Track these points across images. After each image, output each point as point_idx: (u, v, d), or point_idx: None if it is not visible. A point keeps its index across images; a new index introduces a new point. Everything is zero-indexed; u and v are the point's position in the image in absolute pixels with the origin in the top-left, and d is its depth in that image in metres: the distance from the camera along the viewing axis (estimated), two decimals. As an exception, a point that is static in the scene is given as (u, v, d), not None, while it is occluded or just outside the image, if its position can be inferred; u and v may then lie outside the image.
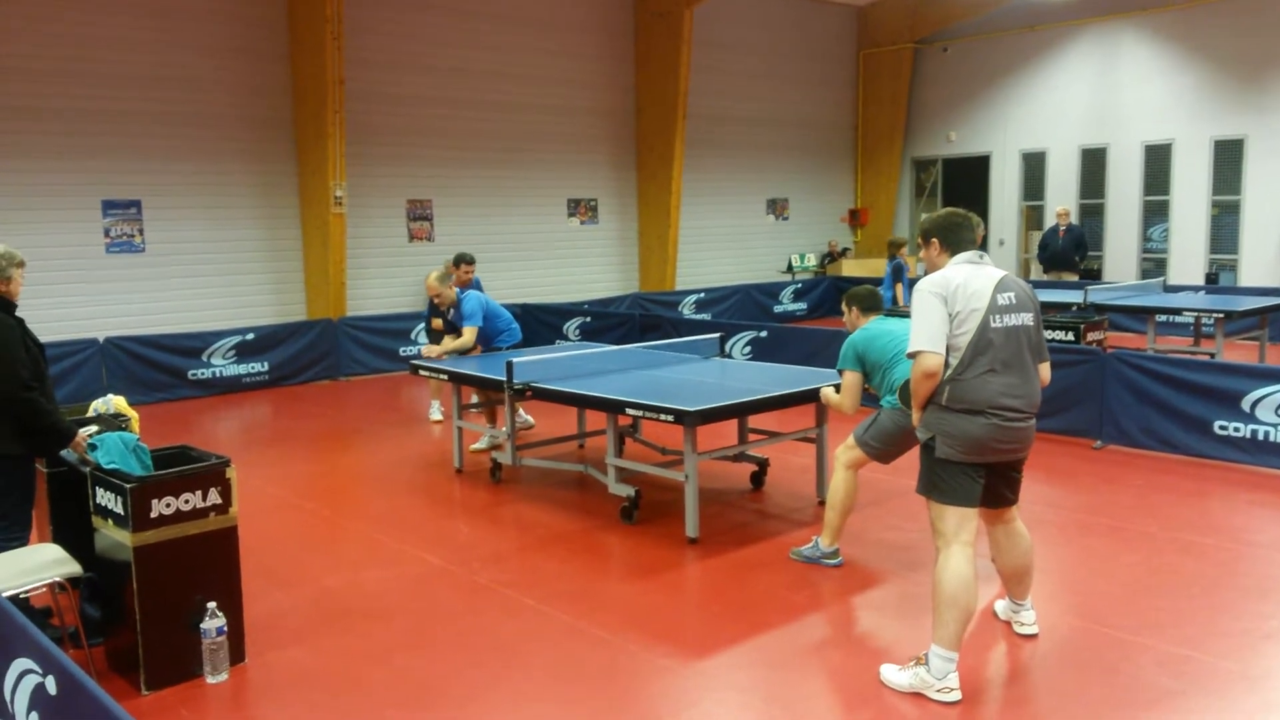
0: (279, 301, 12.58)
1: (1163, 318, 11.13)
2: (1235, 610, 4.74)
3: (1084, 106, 16.97)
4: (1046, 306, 10.25)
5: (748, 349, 10.91)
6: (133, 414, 5.16)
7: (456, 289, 8.49)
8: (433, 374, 7.71)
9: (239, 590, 4.37)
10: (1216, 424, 7.28)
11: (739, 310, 16.15)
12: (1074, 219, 15.85)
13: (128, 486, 4.03)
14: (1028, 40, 17.49)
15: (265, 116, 12.22)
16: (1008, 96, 17.96)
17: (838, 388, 5.47)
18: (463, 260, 9.18)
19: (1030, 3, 16.98)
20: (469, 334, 8.19)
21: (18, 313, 4.53)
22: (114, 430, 4.57)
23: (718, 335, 8.00)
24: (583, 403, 6.53)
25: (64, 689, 2.62)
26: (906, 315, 6.39)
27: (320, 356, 12.08)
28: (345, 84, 12.02)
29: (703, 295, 15.87)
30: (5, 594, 3.68)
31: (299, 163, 12.45)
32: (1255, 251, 15.40)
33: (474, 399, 8.12)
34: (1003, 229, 18.17)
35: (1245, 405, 7.14)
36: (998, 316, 3.85)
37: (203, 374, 11.18)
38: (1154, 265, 16.45)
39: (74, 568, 4.18)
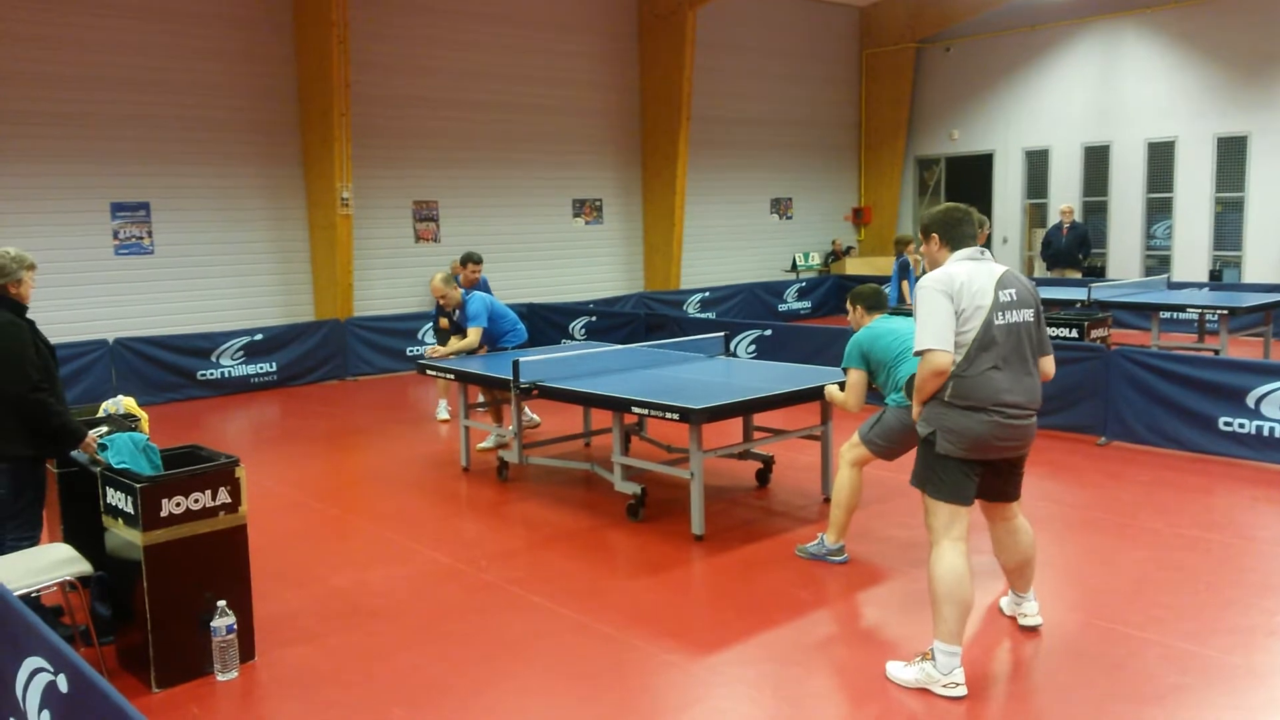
0: (287, 302, 12.63)
1: (1167, 315, 11.13)
2: (1240, 606, 4.75)
3: (1086, 104, 16.95)
4: (1050, 304, 10.25)
5: (752, 348, 10.93)
6: (142, 414, 5.20)
7: (462, 290, 8.52)
8: (440, 373, 7.74)
9: (248, 588, 4.40)
10: (1221, 420, 7.29)
11: (743, 309, 16.17)
12: (1077, 216, 15.80)
13: (138, 486, 4.06)
14: (1030, 39, 17.48)
15: (272, 119, 12.26)
16: (1010, 95, 17.95)
17: (842, 386, 5.50)
18: (470, 260, 9.20)
19: (1032, 1, 16.96)
20: (473, 335, 8.21)
21: (28, 315, 4.56)
22: (124, 430, 4.61)
23: (722, 334, 8.02)
24: (589, 401, 6.56)
25: (75, 687, 2.63)
26: (911, 313, 6.41)
27: (328, 357, 12.12)
28: (351, 87, 12.06)
29: (707, 294, 15.89)
30: (17, 593, 3.71)
31: (306, 165, 12.50)
32: (1259, 248, 15.37)
33: (480, 398, 8.15)
34: (1006, 227, 18.15)
35: (1250, 401, 7.15)
36: (1000, 314, 3.85)
37: (211, 374, 11.22)
38: (1158, 262, 16.43)
39: (85, 567, 4.22)
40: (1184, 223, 16.10)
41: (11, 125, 10.50)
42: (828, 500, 6.24)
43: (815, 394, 6.12)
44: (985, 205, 18.04)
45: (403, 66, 13.18)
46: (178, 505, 4.14)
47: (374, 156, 12.95)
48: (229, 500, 4.28)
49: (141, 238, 11.44)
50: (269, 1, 12.10)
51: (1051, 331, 8.75)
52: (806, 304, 17.32)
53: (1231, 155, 15.53)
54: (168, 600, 4.14)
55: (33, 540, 4.54)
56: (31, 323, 4.54)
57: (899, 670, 4.05)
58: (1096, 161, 16.98)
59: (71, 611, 4.46)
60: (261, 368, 11.58)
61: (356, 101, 12.35)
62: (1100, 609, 4.74)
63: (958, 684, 3.89)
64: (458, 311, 8.48)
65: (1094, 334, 9.07)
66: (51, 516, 4.91)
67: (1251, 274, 15.29)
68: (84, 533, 4.55)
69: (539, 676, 4.23)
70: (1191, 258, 16.00)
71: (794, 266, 18.27)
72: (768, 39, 17.69)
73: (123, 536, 4.22)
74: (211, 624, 4.19)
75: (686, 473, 5.90)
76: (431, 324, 10.67)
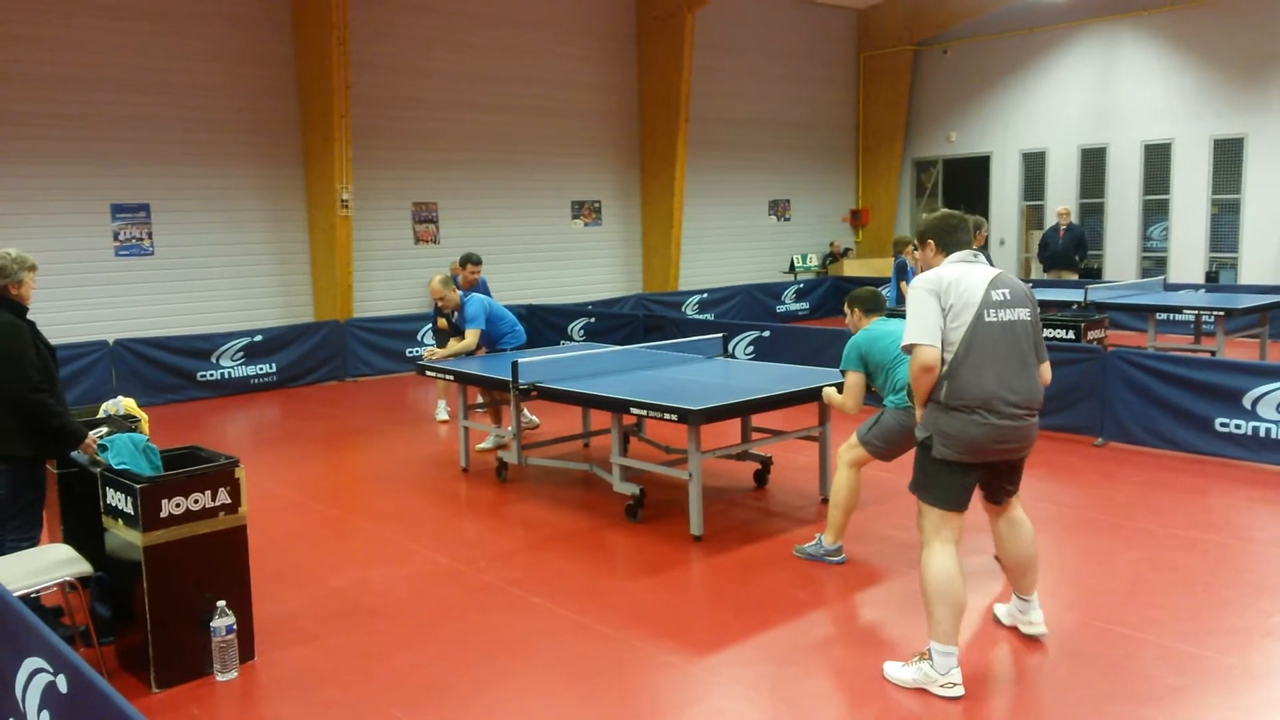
0: (286, 303, 12.64)
1: (1163, 316, 11.15)
2: (1237, 606, 4.76)
3: (1083, 106, 16.98)
4: (1047, 305, 10.27)
5: (750, 349, 10.95)
6: (142, 415, 5.20)
7: (460, 292, 8.52)
8: (439, 374, 7.76)
9: (248, 589, 4.41)
10: (1217, 421, 7.31)
11: (742, 310, 16.19)
12: (1074, 218, 15.87)
13: (138, 487, 4.07)
14: (1027, 41, 17.51)
15: (272, 121, 12.28)
16: (1007, 97, 17.98)
17: (840, 388, 5.51)
18: (469, 260, 9.22)
19: (1029, 4, 17.00)
20: (471, 337, 8.22)
21: (28, 316, 4.57)
22: (124, 431, 4.62)
23: (721, 335, 8.04)
24: (588, 402, 6.57)
25: (75, 687, 2.63)
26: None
27: (327, 358, 12.13)
28: (351, 88, 12.08)
29: (706, 296, 15.91)
30: (17, 593, 3.73)
31: (305, 166, 12.51)
32: (1255, 250, 15.40)
33: (479, 399, 8.16)
34: (1003, 229, 18.18)
35: (1246, 402, 7.17)
36: (991, 311, 3.88)
37: (211, 375, 11.23)
38: (1154, 264, 16.46)
39: (84, 567, 4.23)
40: (1180, 224, 16.13)
41: (11, 126, 10.51)
42: (825, 501, 6.26)
43: (813, 395, 6.13)
44: (982, 207, 18.08)
45: (402, 68, 13.20)
46: (177, 506, 4.15)
47: (374, 158, 12.96)
48: (229, 501, 4.29)
49: (142, 239, 11.45)
50: (269, 2, 12.11)
51: (1048, 333, 8.80)
52: (804, 305, 17.35)
53: (1228, 157, 15.56)
54: (167, 601, 4.15)
55: (33, 541, 4.55)
56: (32, 324, 4.55)
57: (896, 670, 4.07)
58: (1093, 163, 17.01)
59: (71, 612, 4.46)
60: (261, 369, 11.59)
61: (356, 103, 12.36)
62: (1097, 609, 4.76)
63: (955, 684, 3.91)
64: (456, 313, 8.49)
65: (1090, 335, 9.09)
66: (51, 517, 4.92)
67: (1248, 275, 15.32)
68: (84, 533, 4.56)
69: (538, 676, 4.25)
70: (1188, 259, 16.03)
71: (792, 268, 18.29)
72: (766, 41, 17.71)
73: (122, 537, 4.23)
74: (211, 624, 4.20)
75: (685, 473, 5.92)
76: (430, 325, 10.69)
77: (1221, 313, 10.05)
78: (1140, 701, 3.88)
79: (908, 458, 5.37)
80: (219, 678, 4.23)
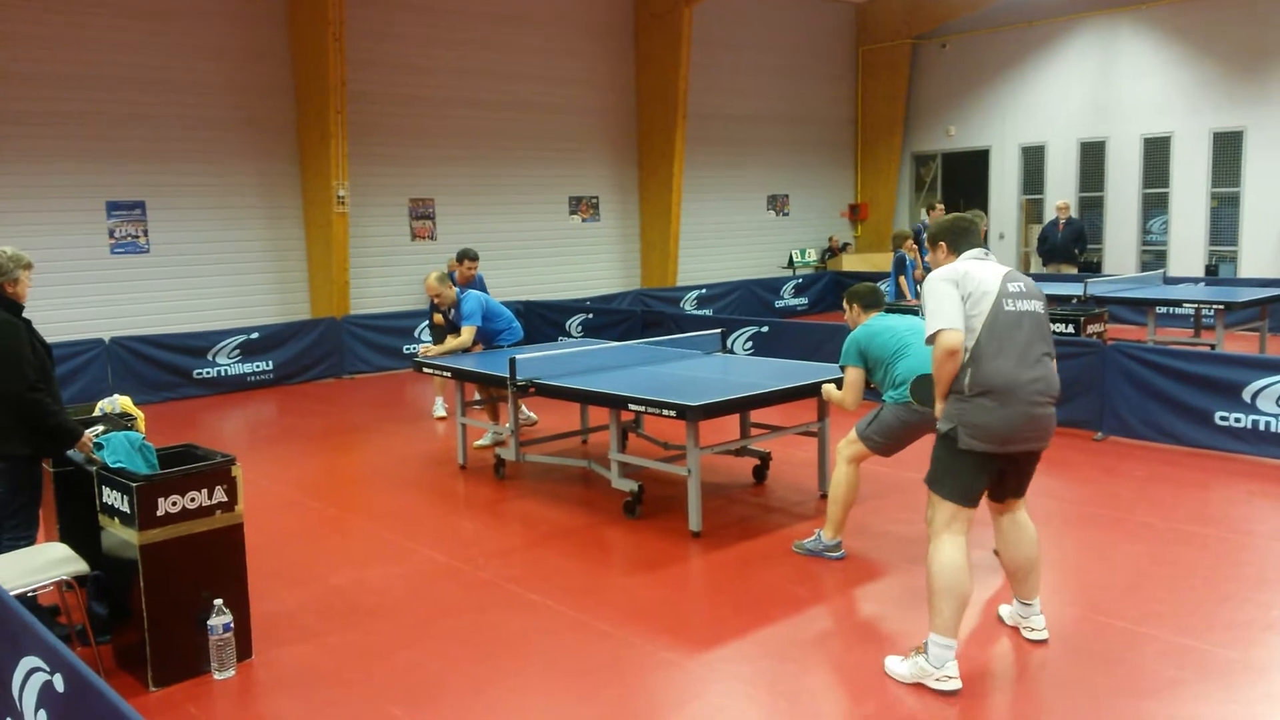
0: (283, 301, 12.62)
1: (1163, 310, 11.14)
2: (1237, 600, 4.76)
3: (1083, 100, 16.96)
4: (1047, 299, 10.24)
5: (749, 344, 10.93)
6: (138, 413, 5.19)
7: (456, 288, 8.50)
8: (436, 371, 7.74)
9: (245, 587, 4.40)
10: (1217, 415, 7.30)
11: (740, 306, 16.18)
12: (1073, 212, 15.85)
13: (134, 485, 4.05)
14: (1026, 35, 17.48)
15: (268, 117, 12.25)
16: (1006, 91, 17.95)
17: (839, 383, 5.50)
18: (466, 256, 9.19)
19: (1028, -3, 17.00)
20: (467, 334, 8.20)
21: (24, 314, 4.56)
22: (120, 430, 4.60)
23: (719, 331, 8.03)
24: (586, 399, 6.56)
25: (72, 686, 2.63)
26: (907, 311, 6.43)
27: (324, 355, 12.11)
28: (347, 85, 12.04)
29: (704, 291, 15.90)
30: (13, 592, 3.71)
31: (302, 163, 12.48)
32: (1255, 243, 15.39)
33: (477, 396, 8.14)
34: (1002, 223, 18.17)
35: (1246, 396, 7.16)
36: (1010, 301, 3.91)
37: (208, 373, 11.21)
38: (1154, 257, 16.45)
39: (81, 566, 4.21)
40: (1180, 218, 16.12)
41: (11, 125, 10.47)
42: (824, 496, 6.25)
43: (812, 390, 6.13)
44: (982, 201, 18.06)
45: (398, 64, 13.16)
46: (174, 504, 4.13)
47: (370, 154, 12.93)
48: (225, 499, 4.28)
49: (137, 236, 11.42)
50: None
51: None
52: (803, 300, 17.33)
53: (1227, 150, 15.54)
54: (164, 599, 4.14)
55: (29, 540, 4.53)
56: (28, 322, 4.53)
57: (896, 665, 4.06)
58: (1093, 157, 17.00)
59: (68, 611, 4.46)
60: (258, 366, 11.57)
61: (353, 99, 12.33)
62: (1097, 604, 4.75)
63: (951, 677, 3.90)
64: (453, 310, 8.47)
65: (1090, 329, 9.08)
66: (48, 516, 4.90)
67: (1247, 269, 15.32)
68: (80, 532, 4.55)
69: (537, 674, 4.23)
70: (1187, 253, 16.02)
71: (791, 263, 18.28)
72: (764, 36, 17.68)
73: (119, 535, 4.21)
74: (208, 622, 4.18)
75: (683, 469, 5.91)
76: (427, 321, 10.67)
77: (1221, 306, 10.04)
78: (1140, 695, 3.87)
79: (908, 453, 5.39)
80: (216, 676, 4.22)
